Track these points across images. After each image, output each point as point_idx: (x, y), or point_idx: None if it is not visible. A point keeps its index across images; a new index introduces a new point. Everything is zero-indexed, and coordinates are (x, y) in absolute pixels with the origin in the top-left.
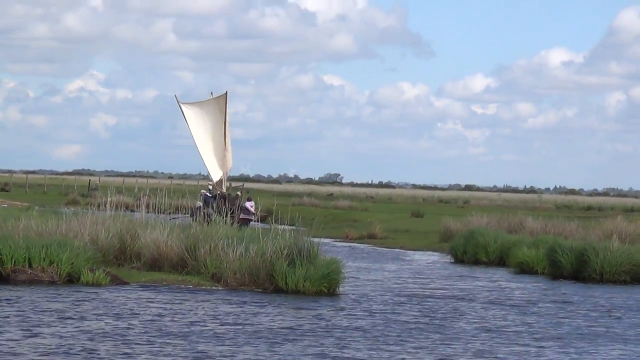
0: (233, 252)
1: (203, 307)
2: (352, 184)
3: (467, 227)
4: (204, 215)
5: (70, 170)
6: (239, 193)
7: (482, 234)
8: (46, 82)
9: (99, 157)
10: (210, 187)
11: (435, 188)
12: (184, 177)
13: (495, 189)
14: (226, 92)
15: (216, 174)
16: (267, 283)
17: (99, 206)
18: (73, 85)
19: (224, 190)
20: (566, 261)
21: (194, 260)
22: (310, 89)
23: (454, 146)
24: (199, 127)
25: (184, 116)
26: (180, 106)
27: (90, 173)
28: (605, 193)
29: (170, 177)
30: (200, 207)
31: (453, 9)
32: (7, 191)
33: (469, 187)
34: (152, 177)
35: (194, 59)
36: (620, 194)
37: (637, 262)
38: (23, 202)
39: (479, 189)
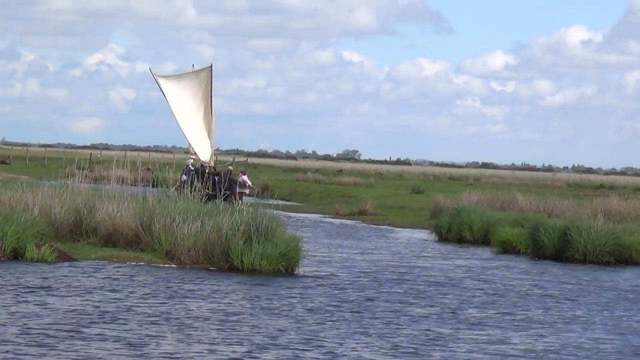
0: (188, 228)
1: (144, 286)
2: (369, 161)
3: (457, 204)
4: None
5: (88, 144)
6: (230, 168)
7: (468, 212)
8: (65, 55)
9: (118, 131)
10: (192, 160)
11: (452, 165)
12: None
13: (512, 167)
14: (211, 65)
15: (203, 150)
16: (222, 261)
17: (95, 180)
18: (92, 59)
19: (212, 164)
20: (549, 240)
21: (148, 236)
22: (329, 64)
23: (473, 123)
24: (178, 100)
25: (161, 90)
26: (156, 79)
27: (107, 147)
28: (623, 172)
29: (187, 151)
30: (184, 180)
31: None
32: (6, 164)
33: (485, 165)
34: (169, 151)
35: (214, 34)
36: (638, 173)
37: (621, 243)
38: (21, 174)
39: (496, 167)
